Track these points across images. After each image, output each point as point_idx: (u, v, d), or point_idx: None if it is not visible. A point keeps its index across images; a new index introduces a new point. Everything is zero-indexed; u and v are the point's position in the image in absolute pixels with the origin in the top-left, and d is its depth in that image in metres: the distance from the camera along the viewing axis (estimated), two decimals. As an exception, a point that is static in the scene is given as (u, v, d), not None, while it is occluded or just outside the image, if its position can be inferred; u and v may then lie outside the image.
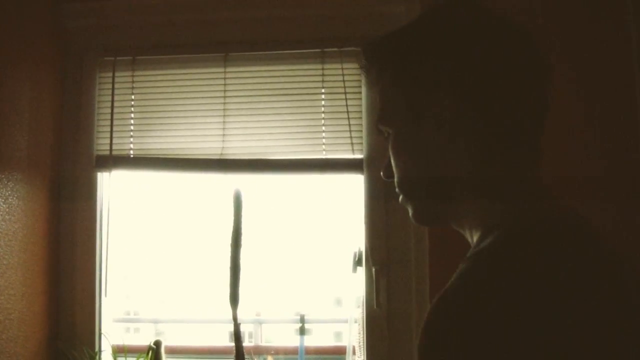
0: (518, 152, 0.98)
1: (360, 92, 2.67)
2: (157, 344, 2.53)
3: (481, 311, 0.80)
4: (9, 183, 2.36)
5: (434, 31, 1.01)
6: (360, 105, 2.67)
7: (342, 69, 2.64)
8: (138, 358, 2.57)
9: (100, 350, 2.68)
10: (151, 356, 2.50)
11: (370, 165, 2.62)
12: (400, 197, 1.08)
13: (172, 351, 3.35)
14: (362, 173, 2.63)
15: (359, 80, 2.66)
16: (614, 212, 2.10)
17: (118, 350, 2.66)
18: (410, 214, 1.08)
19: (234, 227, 2.41)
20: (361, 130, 2.65)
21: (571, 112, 2.25)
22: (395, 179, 1.07)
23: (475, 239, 1.00)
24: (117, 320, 3.00)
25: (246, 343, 3.35)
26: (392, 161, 1.06)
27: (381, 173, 1.11)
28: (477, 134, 0.97)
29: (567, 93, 2.22)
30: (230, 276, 2.39)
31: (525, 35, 1.00)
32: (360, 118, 2.66)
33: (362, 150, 2.64)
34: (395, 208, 2.47)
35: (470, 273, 0.87)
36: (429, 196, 1.03)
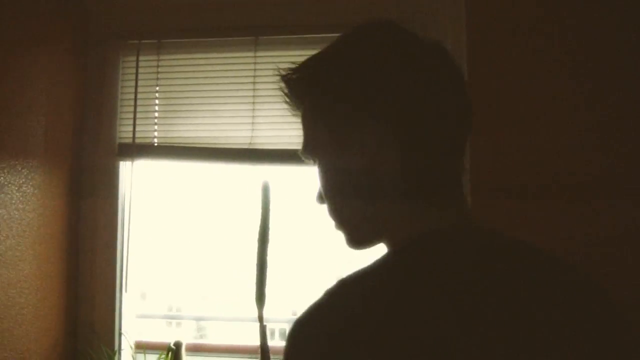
0: (441, 172, 0.99)
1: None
2: (177, 344, 2.38)
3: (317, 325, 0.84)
4: (22, 170, 2.23)
5: (348, 57, 1.01)
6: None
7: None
8: (158, 358, 2.42)
9: (119, 349, 2.54)
10: (170, 357, 2.35)
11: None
12: (334, 224, 1.07)
13: (211, 350, 3.22)
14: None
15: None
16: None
17: (139, 348, 2.52)
18: (345, 239, 1.07)
19: (261, 221, 2.24)
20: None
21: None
22: (327, 206, 1.06)
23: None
24: (141, 317, 2.87)
25: (281, 343, 3.19)
26: (321, 187, 1.06)
27: (315, 199, 1.09)
28: (399, 157, 0.96)
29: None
30: (257, 274, 2.23)
31: (442, 53, 1.01)
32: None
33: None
34: None
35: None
36: (358, 223, 1.03)
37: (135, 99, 2.61)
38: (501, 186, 2.12)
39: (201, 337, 4.58)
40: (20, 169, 2.22)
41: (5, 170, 2.14)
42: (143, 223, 2.71)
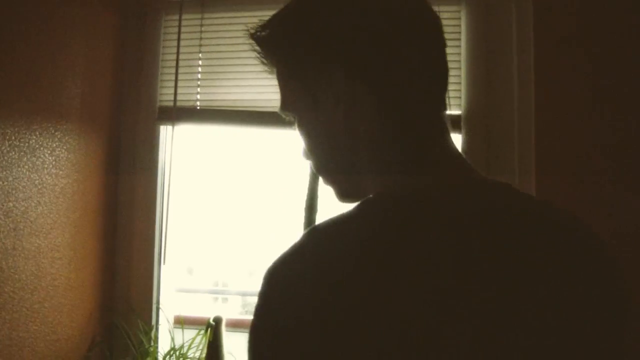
0: (415, 122, 0.96)
1: (459, 39, 2.29)
2: (217, 320, 2.23)
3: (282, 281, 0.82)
4: (56, 133, 2.09)
5: (317, 10, 0.98)
6: (459, 54, 2.29)
7: (439, 12, 2.26)
8: (197, 334, 2.28)
9: (157, 324, 2.41)
10: (210, 333, 2.21)
11: (470, 123, 2.26)
12: (322, 179, 1.07)
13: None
14: (460, 131, 2.28)
15: (458, 25, 2.29)
16: None
17: (177, 323, 2.38)
18: (335, 193, 1.06)
19: (309, 189, 2.09)
20: (459, 83, 2.29)
21: None
22: (312, 162, 1.06)
23: None
24: (185, 291, 2.74)
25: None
26: (304, 145, 1.05)
27: (301, 154, 1.09)
28: (372, 108, 0.94)
29: None
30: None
31: (417, 2, 0.98)
32: (459, 69, 2.29)
33: (460, 105, 2.28)
34: (501, 170, 2.17)
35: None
36: (345, 174, 1.02)
37: (177, 60, 2.45)
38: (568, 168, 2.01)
39: (247, 313, 4.47)
40: (53, 131, 2.08)
41: (37, 132, 2.00)
42: (184, 192, 2.57)
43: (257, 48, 1.04)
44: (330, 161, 1.02)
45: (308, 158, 1.07)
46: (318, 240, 0.84)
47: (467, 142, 2.25)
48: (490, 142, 2.23)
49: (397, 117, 0.95)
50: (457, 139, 2.28)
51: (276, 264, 0.84)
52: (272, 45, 1.02)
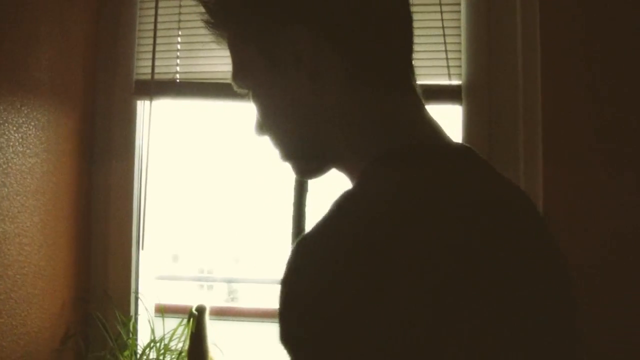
0: (384, 80, 0.91)
1: (458, 3, 2.15)
2: (200, 309, 2.07)
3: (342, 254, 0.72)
4: (22, 108, 1.92)
5: None
6: (459, 20, 2.16)
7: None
8: (179, 325, 2.12)
9: (136, 314, 2.25)
10: (193, 324, 2.05)
11: (471, 94, 2.13)
12: (278, 155, 1.00)
13: (240, 314, 2.98)
14: (460, 103, 2.14)
15: (458, -10, 2.14)
16: None
17: (159, 312, 2.22)
18: (293, 170, 1.00)
19: (295, 195, 1.96)
20: (459, 51, 2.15)
21: None
22: (269, 137, 0.98)
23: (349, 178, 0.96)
24: (161, 278, 2.58)
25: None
26: (260, 117, 0.98)
27: (253, 129, 1.01)
28: (340, 66, 0.89)
29: None
30: (293, 226, 1.94)
31: None
32: (459, 36, 2.16)
33: (460, 75, 2.15)
34: (500, 143, 2.04)
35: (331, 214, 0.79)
36: (305, 150, 0.96)
37: (155, 30, 2.28)
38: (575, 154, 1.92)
39: (232, 300, 4.36)
40: (19, 106, 1.91)
41: (1, 107, 1.83)
42: (164, 173, 2.40)
43: (205, 16, 0.97)
44: (289, 133, 0.95)
45: (262, 134, 0.99)
46: (348, 210, 0.79)
47: (467, 115, 2.11)
48: (493, 114, 2.09)
49: (367, 76, 0.90)
50: (457, 111, 2.13)
51: (309, 234, 0.78)
52: (225, 10, 0.95)
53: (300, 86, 0.90)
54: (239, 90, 1.01)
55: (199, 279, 4.53)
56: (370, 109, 0.90)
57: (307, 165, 0.99)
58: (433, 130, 0.92)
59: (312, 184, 1.88)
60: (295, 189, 1.96)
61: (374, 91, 0.90)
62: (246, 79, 0.97)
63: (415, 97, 0.94)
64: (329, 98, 0.90)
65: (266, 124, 0.97)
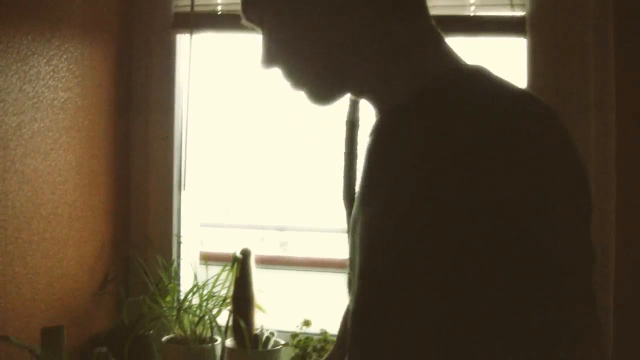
0: (409, 11, 0.94)
1: None
2: (245, 253, 1.96)
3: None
4: (52, 40, 1.81)
5: None
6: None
7: None
8: (223, 269, 2.01)
9: (178, 258, 2.14)
10: (237, 268, 1.94)
11: (536, 26, 1.95)
12: (290, 84, 1.00)
13: (290, 263, 2.89)
14: (525, 35, 1.97)
15: None
16: None
17: (202, 259, 2.12)
18: (307, 97, 1.00)
19: (348, 116, 1.82)
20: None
21: None
22: (282, 70, 0.98)
23: (379, 106, 0.99)
24: (209, 226, 2.48)
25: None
26: (276, 46, 0.97)
27: (260, 62, 1.00)
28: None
29: None
30: (344, 176, 1.81)
31: None
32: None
33: (524, 5, 1.96)
34: (568, 78, 1.87)
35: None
36: (322, 76, 0.97)
37: (195, -44, 2.14)
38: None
39: (284, 250, 4.27)
40: (49, 37, 1.80)
41: (30, 37, 1.72)
42: (205, 113, 2.28)
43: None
44: (307, 60, 0.96)
45: (270, 66, 0.98)
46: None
47: (533, 47, 1.93)
48: (560, 48, 1.91)
49: (398, 13, 0.93)
50: (521, 44, 1.96)
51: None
52: None
53: (335, 13, 0.92)
54: (248, 26, 1.01)
55: (249, 227, 4.42)
56: (401, 40, 0.93)
57: (326, 93, 0.99)
58: (455, 57, 0.94)
59: (362, 129, 1.76)
60: (346, 136, 1.83)
61: (401, 22, 0.93)
62: (262, 11, 0.97)
63: (433, 24, 0.95)
64: (359, 30, 0.92)
65: (280, 53, 0.97)
